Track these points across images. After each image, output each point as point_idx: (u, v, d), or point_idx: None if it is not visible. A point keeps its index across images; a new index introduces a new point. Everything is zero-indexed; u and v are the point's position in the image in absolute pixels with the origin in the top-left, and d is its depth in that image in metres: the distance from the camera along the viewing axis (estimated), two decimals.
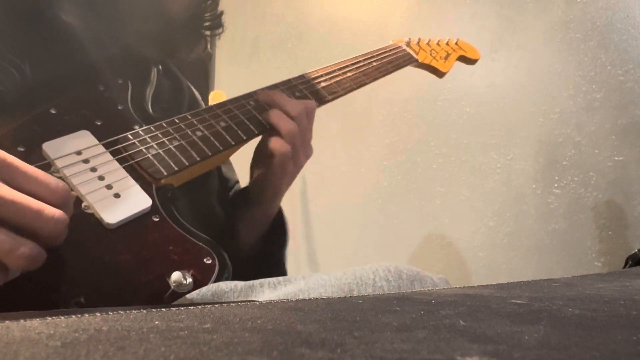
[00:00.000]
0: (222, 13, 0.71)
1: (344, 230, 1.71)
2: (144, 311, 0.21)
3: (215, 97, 1.76)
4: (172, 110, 0.62)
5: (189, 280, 0.42)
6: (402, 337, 0.17)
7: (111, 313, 0.20)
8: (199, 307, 0.23)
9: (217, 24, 0.70)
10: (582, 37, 1.25)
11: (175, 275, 0.41)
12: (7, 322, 0.17)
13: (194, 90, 0.73)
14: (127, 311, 0.21)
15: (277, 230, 0.65)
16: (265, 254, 0.64)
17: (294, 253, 1.86)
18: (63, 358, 0.14)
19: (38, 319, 0.18)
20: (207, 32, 0.71)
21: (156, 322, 0.18)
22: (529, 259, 1.29)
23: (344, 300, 0.26)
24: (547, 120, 1.29)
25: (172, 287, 0.41)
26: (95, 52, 0.58)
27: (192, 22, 0.68)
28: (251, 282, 0.42)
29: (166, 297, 0.41)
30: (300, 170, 0.61)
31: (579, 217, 1.22)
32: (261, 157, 0.59)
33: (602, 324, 0.20)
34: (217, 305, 0.24)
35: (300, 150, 0.59)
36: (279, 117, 0.57)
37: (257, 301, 0.29)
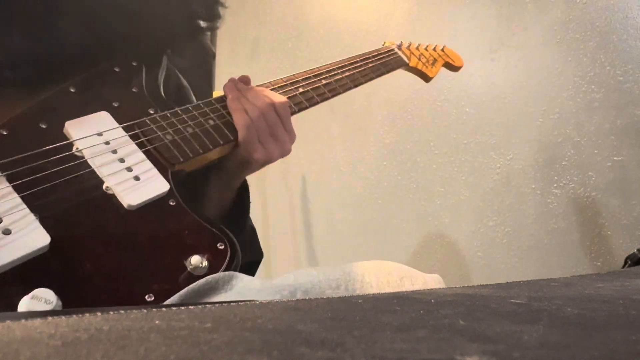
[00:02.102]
0: (217, 2, 0.67)
1: (344, 230, 1.71)
2: (145, 311, 0.21)
3: None
4: (171, 97, 0.63)
5: (205, 264, 0.43)
6: (402, 337, 0.17)
7: (112, 312, 0.20)
8: (199, 306, 0.23)
9: (212, 14, 0.68)
10: (582, 37, 1.25)
11: (195, 259, 0.43)
12: (8, 321, 0.17)
13: (181, 78, 0.72)
14: (128, 311, 0.21)
15: (236, 209, 0.64)
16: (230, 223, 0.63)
17: (294, 253, 1.86)
18: (64, 357, 0.14)
19: (39, 319, 0.18)
20: (204, 24, 0.68)
21: (157, 322, 0.18)
22: (529, 258, 1.29)
23: (343, 300, 0.26)
24: (546, 120, 1.29)
25: (189, 270, 0.43)
26: (110, 31, 0.58)
27: (184, 9, 0.65)
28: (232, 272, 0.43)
29: (181, 278, 0.42)
30: (269, 162, 0.60)
31: (578, 217, 1.22)
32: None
33: (601, 324, 0.20)
34: (217, 305, 0.24)
35: (269, 139, 0.58)
36: (237, 106, 0.58)
37: (257, 301, 0.29)
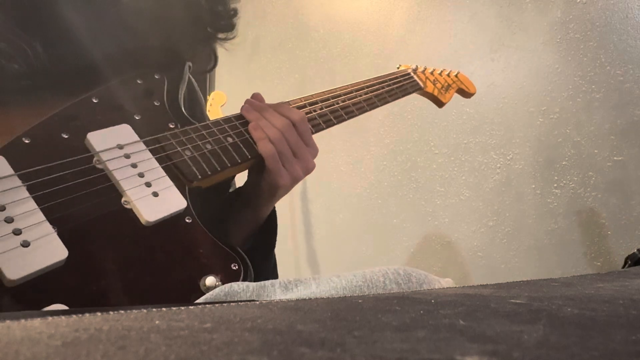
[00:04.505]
0: (233, 13, 0.68)
1: (344, 230, 1.72)
2: (145, 311, 0.21)
3: (216, 97, 1.76)
4: (190, 111, 0.63)
5: (220, 284, 0.43)
6: (402, 337, 0.17)
7: (112, 312, 0.20)
8: (199, 306, 0.23)
9: (229, 24, 0.68)
10: (582, 37, 1.25)
11: (210, 280, 0.43)
12: (8, 321, 0.17)
13: (199, 91, 0.73)
14: (128, 311, 0.21)
15: (265, 233, 0.64)
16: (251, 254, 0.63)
17: (294, 253, 1.86)
18: (64, 357, 0.14)
19: (39, 319, 0.18)
20: (221, 35, 0.69)
21: (156, 322, 0.18)
22: (528, 258, 1.29)
23: (343, 300, 0.26)
24: (546, 120, 1.29)
25: (203, 290, 0.43)
26: (133, 42, 0.58)
27: (201, 16, 0.66)
28: (263, 282, 0.42)
29: (194, 299, 0.42)
30: (296, 183, 0.60)
31: (578, 217, 1.22)
32: (255, 165, 0.60)
33: (601, 324, 0.20)
34: (217, 305, 0.24)
35: (293, 161, 0.58)
36: (260, 135, 0.57)
37: (257, 301, 0.29)
